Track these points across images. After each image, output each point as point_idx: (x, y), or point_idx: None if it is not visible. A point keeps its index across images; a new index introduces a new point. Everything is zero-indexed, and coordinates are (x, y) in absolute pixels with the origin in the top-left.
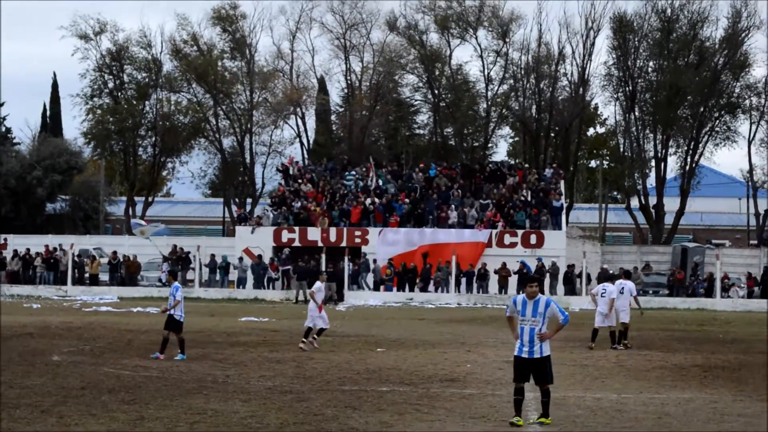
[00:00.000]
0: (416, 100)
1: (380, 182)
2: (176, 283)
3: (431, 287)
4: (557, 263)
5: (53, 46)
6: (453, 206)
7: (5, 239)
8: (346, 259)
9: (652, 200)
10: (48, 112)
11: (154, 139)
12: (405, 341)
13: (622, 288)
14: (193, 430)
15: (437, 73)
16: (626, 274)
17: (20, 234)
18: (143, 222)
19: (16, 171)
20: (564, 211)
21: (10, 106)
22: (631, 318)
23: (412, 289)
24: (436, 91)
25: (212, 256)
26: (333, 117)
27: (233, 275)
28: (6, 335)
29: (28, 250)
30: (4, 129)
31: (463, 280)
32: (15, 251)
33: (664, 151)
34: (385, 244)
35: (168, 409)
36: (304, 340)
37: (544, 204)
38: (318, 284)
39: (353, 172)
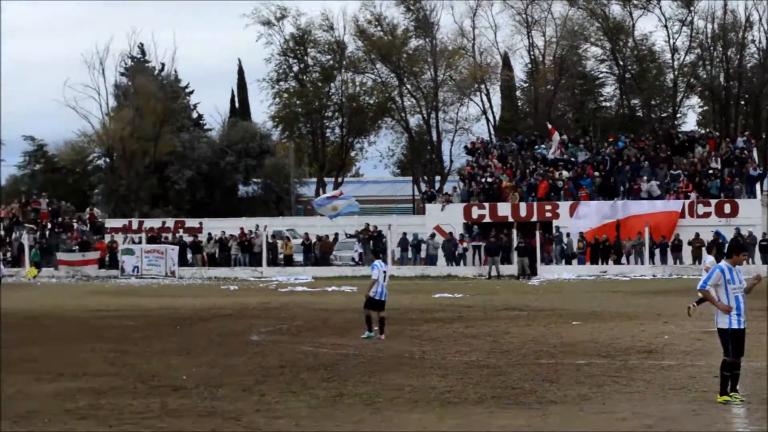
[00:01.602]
0: (601, 73)
1: (564, 149)
2: (375, 262)
3: (624, 259)
4: (753, 232)
5: (237, 33)
6: (645, 177)
7: (200, 223)
8: (537, 233)
9: None
10: (236, 98)
11: (341, 120)
12: (600, 314)
13: None
14: (392, 406)
15: (621, 44)
16: None
17: (215, 218)
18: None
19: (209, 156)
20: (759, 180)
21: (200, 94)
22: None
23: (605, 262)
24: (621, 63)
25: (404, 234)
26: (518, 93)
27: (424, 253)
28: (205, 317)
29: (224, 233)
30: (195, 115)
31: (657, 252)
32: (209, 234)
33: None
34: (576, 217)
35: (366, 385)
36: None
37: (737, 173)
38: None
39: (542, 147)
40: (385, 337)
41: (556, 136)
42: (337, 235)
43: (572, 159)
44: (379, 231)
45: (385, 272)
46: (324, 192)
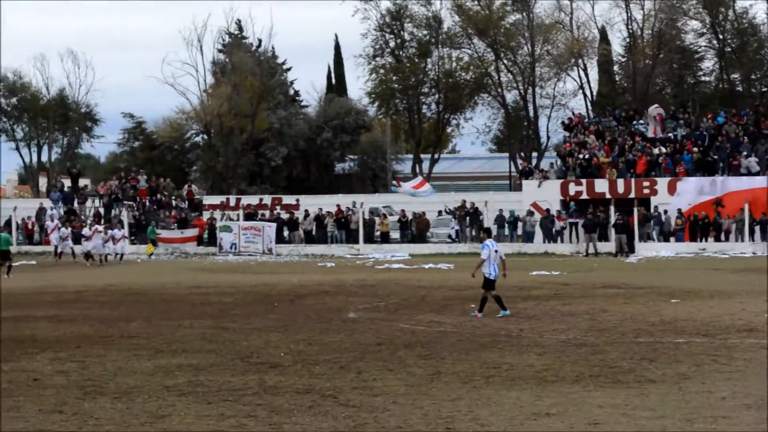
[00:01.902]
0: (700, 47)
1: (662, 125)
2: (486, 241)
3: (723, 236)
4: None
5: (334, 8)
6: (744, 153)
7: (297, 200)
8: (635, 210)
9: None
10: (332, 74)
11: (437, 96)
12: (699, 292)
13: None
14: (489, 384)
15: (721, 17)
16: None
17: (311, 194)
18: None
19: (306, 133)
20: None
21: (297, 71)
22: None
23: (704, 239)
24: (721, 36)
25: (500, 211)
26: (615, 67)
27: (521, 230)
28: (302, 294)
29: (320, 209)
30: (292, 92)
31: (757, 228)
32: (306, 211)
33: None
34: (675, 194)
35: (463, 363)
36: None
37: None
38: None
39: (640, 122)
40: (482, 316)
41: (653, 110)
42: (440, 212)
43: (670, 135)
44: (475, 208)
45: (496, 251)
46: (420, 169)
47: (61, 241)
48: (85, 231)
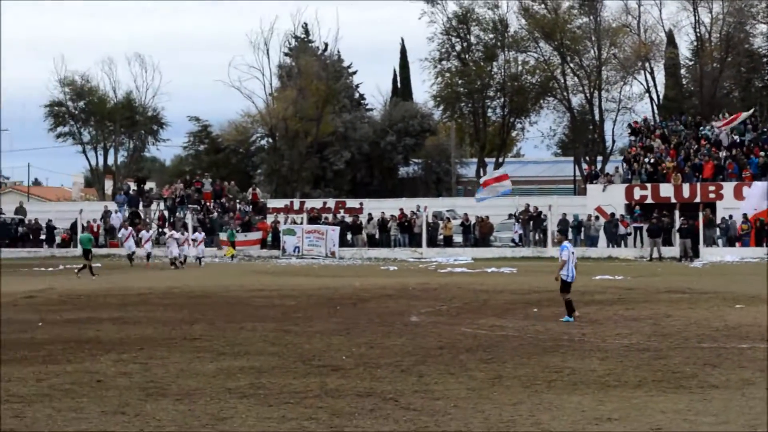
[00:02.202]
0: None
1: (734, 135)
2: (563, 243)
3: None
4: None
5: (400, 11)
6: None
7: (361, 204)
8: (700, 215)
9: None
10: (398, 78)
11: (502, 99)
12: (764, 297)
13: None
14: (551, 389)
15: None
16: None
17: (375, 198)
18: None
19: (370, 137)
20: None
21: (362, 74)
22: None
23: None
24: None
25: (563, 215)
26: (683, 71)
27: (584, 234)
28: (365, 297)
29: (383, 213)
30: (357, 96)
31: None
32: (369, 215)
33: None
34: (741, 198)
35: (525, 367)
36: None
37: None
38: None
39: (707, 127)
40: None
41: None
42: (510, 215)
43: (736, 139)
44: (539, 212)
45: (573, 253)
46: (484, 173)
47: (142, 245)
48: (169, 241)
